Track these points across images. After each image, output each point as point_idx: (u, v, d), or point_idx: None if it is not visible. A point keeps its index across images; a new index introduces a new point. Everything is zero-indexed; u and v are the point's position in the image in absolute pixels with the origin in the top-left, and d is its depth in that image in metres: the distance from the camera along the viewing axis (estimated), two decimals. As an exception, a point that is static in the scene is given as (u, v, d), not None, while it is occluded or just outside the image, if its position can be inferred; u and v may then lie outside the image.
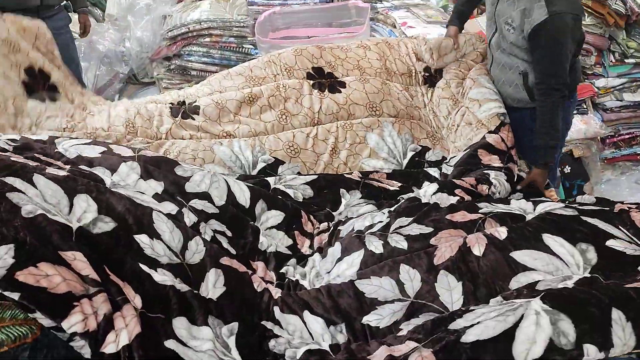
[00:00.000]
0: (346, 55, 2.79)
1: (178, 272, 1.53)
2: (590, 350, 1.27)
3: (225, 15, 3.72)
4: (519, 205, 2.01)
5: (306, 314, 1.62)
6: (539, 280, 1.53)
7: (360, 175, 2.39)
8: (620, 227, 1.79)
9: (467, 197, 2.14)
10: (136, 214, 1.59)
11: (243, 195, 2.02)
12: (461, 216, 1.89)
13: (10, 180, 1.42)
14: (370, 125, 2.56)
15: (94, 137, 2.24)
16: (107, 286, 1.31)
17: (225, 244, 1.79)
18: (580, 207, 1.92)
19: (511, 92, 2.52)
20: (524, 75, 2.40)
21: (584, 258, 1.61)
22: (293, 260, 1.93)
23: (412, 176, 2.47)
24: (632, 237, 1.75)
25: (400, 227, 1.90)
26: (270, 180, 2.28)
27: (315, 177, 2.32)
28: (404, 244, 1.80)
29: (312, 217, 2.18)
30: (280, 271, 1.85)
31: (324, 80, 2.69)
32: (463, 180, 2.24)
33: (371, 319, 1.58)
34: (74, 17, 3.73)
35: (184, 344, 1.35)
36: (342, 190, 2.31)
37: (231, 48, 3.74)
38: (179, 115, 2.43)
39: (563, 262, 1.60)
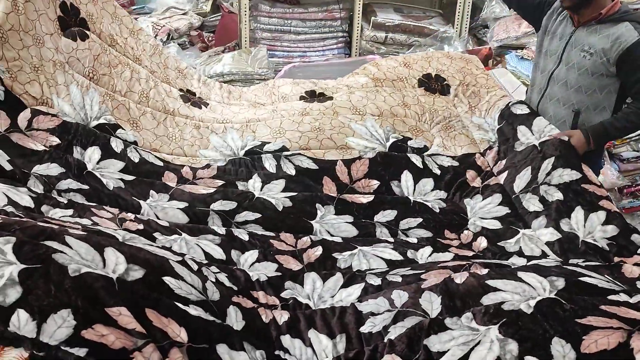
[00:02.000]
0: (337, 82, 3.29)
1: (206, 308, 1.73)
2: None
3: (247, 68, 3.98)
4: (513, 260, 2.31)
5: (311, 331, 1.89)
6: (506, 301, 1.80)
7: (337, 191, 2.70)
8: (605, 275, 2.02)
9: (463, 253, 2.43)
10: (157, 260, 1.79)
11: (216, 251, 2.25)
12: (452, 263, 2.21)
13: (49, 243, 1.58)
14: (354, 119, 2.97)
15: (110, 97, 2.81)
16: (152, 333, 1.49)
17: (228, 283, 2.02)
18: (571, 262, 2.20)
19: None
20: (576, 113, 2.60)
21: (551, 285, 1.88)
22: (289, 283, 2.17)
23: (395, 161, 2.82)
24: (614, 280, 1.98)
25: (398, 272, 2.20)
26: (255, 191, 2.63)
27: (294, 194, 2.63)
28: (398, 279, 2.13)
29: (288, 234, 2.47)
30: (281, 295, 2.09)
31: (315, 97, 3.19)
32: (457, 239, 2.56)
33: (366, 327, 1.88)
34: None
35: None
36: (318, 205, 2.62)
37: None
38: (189, 102, 3.06)
39: (530, 287, 1.88)
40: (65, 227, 1.86)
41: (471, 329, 1.72)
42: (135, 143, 2.78)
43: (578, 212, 2.41)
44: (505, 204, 2.64)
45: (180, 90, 3.19)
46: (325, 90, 3.23)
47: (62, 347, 1.33)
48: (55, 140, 2.55)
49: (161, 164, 2.75)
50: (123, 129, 2.80)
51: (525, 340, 1.62)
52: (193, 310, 1.68)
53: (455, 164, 2.89)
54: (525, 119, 2.81)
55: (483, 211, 2.67)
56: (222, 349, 1.62)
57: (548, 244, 2.40)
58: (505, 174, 2.76)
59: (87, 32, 2.90)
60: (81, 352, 1.34)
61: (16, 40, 2.57)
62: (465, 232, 2.60)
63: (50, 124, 2.59)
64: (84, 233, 1.78)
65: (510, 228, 2.53)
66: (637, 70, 2.46)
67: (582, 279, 1.95)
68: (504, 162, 2.82)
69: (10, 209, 2.03)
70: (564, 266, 2.12)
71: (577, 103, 2.62)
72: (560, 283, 1.89)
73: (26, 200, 2.18)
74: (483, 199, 2.72)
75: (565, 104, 2.67)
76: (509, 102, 3.00)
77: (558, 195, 2.47)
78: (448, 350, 1.66)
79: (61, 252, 1.57)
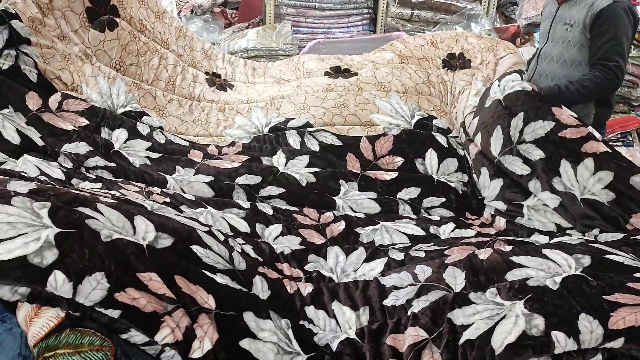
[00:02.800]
0: (362, 58, 3.29)
1: (233, 277, 1.78)
2: (559, 336, 1.57)
3: (271, 44, 3.97)
4: (536, 238, 2.31)
5: (335, 303, 1.92)
6: (531, 277, 1.82)
7: (360, 168, 2.71)
8: (629, 253, 2.02)
9: (485, 231, 2.44)
10: (185, 229, 1.84)
11: (241, 225, 2.30)
12: (475, 239, 2.23)
13: (82, 209, 1.63)
14: (379, 95, 2.98)
15: (137, 86, 2.93)
16: (181, 299, 1.54)
17: (253, 254, 2.06)
18: (594, 239, 2.20)
19: None
20: None
21: (577, 262, 1.89)
22: (312, 256, 2.21)
23: (419, 138, 2.83)
24: (638, 258, 1.98)
25: (421, 247, 2.24)
26: (280, 166, 2.67)
27: (318, 170, 2.66)
28: (422, 254, 2.15)
29: (311, 209, 2.52)
30: (305, 268, 2.13)
31: (340, 73, 3.20)
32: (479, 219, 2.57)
33: (389, 300, 1.90)
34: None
35: (255, 337, 1.60)
36: (341, 180, 2.65)
37: None
38: (214, 86, 3.12)
39: (556, 264, 1.89)
40: (97, 195, 1.92)
41: (496, 304, 1.74)
42: (161, 128, 2.84)
43: (565, 167, 2.32)
44: (495, 175, 2.58)
45: (207, 73, 3.24)
46: (350, 66, 3.23)
47: (97, 308, 1.38)
48: (84, 122, 2.65)
49: (187, 144, 2.80)
50: (149, 115, 2.88)
51: (552, 316, 1.63)
52: (220, 279, 1.72)
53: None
54: (501, 77, 2.73)
55: (488, 193, 2.64)
56: (248, 316, 1.66)
57: (556, 210, 2.37)
58: (479, 137, 2.69)
59: (117, 19, 2.97)
60: (114, 313, 1.39)
61: (47, 34, 2.71)
62: (485, 214, 2.62)
63: (79, 107, 2.69)
64: (114, 201, 1.83)
65: (512, 204, 2.51)
66: (603, 35, 2.47)
67: (607, 256, 1.95)
68: (476, 121, 2.76)
69: (43, 178, 2.10)
70: (590, 244, 2.13)
71: (564, 77, 2.63)
72: (586, 260, 1.90)
73: (57, 173, 2.26)
74: (477, 177, 2.69)
75: (553, 79, 2.69)
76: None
77: (539, 153, 2.39)
78: (472, 323, 1.68)
79: (94, 218, 1.62)
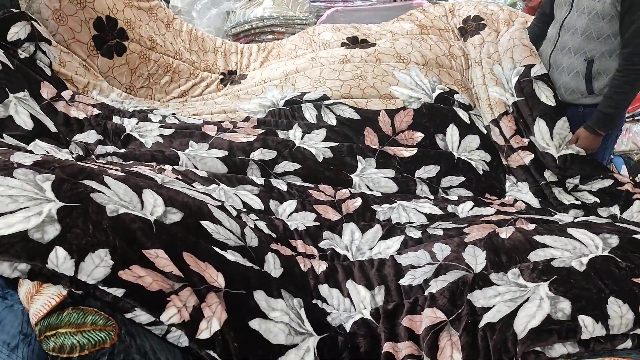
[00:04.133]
0: (380, 28, 3.17)
1: (244, 254, 1.71)
2: (586, 321, 1.50)
3: (288, 12, 3.88)
4: (558, 217, 2.22)
5: (349, 282, 1.86)
6: (556, 258, 1.74)
7: (379, 143, 2.64)
8: None
9: (505, 209, 2.35)
10: (195, 204, 1.77)
11: (255, 201, 2.24)
12: (495, 217, 2.14)
13: (88, 182, 1.57)
14: (398, 67, 2.88)
15: (149, 101, 2.92)
16: (189, 277, 1.48)
17: (267, 230, 2.00)
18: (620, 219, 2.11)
19: (567, 81, 2.56)
20: (589, 62, 2.44)
21: (604, 242, 1.80)
22: (327, 233, 2.15)
23: (440, 113, 2.73)
24: None
25: (439, 225, 2.15)
26: (296, 140, 2.60)
27: (335, 144, 2.58)
28: (440, 232, 2.07)
29: (327, 185, 2.47)
30: (319, 245, 2.07)
31: (357, 43, 3.08)
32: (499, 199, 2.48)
33: (406, 280, 1.84)
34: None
35: (266, 317, 1.54)
36: (359, 157, 2.57)
37: None
38: (229, 82, 3.08)
39: (582, 244, 1.80)
40: (105, 167, 1.87)
41: (518, 285, 1.66)
42: (173, 114, 2.79)
43: (615, 209, 2.42)
44: (535, 193, 2.59)
45: (222, 74, 3.18)
46: (368, 36, 3.12)
47: (100, 287, 1.32)
48: (96, 110, 2.61)
49: (201, 121, 2.73)
50: (159, 109, 2.85)
51: (579, 299, 1.54)
52: (231, 256, 1.66)
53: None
54: (546, 113, 2.62)
55: (517, 192, 2.61)
56: (259, 295, 1.60)
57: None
58: (529, 159, 2.65)
59: (126, 42, 2.94)
60: (118, 292, 1.33)
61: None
62: (507, 197, 2.54)
63: (90, 102, 2.67)
64: (122, 174, 1.77)
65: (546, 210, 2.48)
66: (636, 11, 2.30)
67: (636, 236, 1.85)
68: (525, 142, 2.69)
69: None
70: (617, 223, 2.03)
71: (589, 51, 2.46)
72: (614, 240, 1.80)
73: (67, 158, 2.21)
74: (517, 181, 2.66)
75: (576, 52, 2.51)
76: (530, 69, 2.74)
77: (595, 199, 2.47)
78: (493, 306, 1.61)
79: (99, 191, 1.55)
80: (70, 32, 2.79)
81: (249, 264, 1.69)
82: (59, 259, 1.31)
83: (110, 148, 2.46)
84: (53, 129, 2.38)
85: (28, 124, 2.28)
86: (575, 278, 1.62)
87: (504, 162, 2.70)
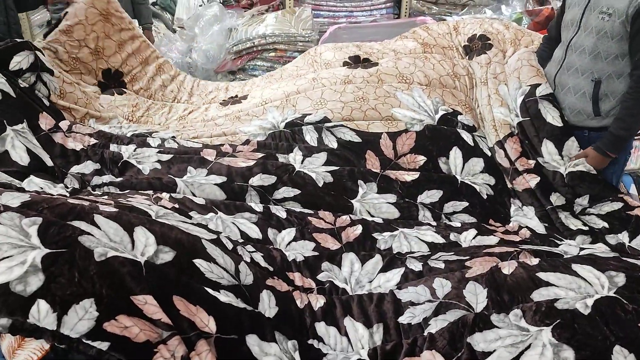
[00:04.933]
0: (383, 46, 3.10)
1: (238, 293, 1.66)
2: None
3: (290, 29, 3.81)
4: (564, 248, 2.15)
5: (347, 319, 1.80)
6: (560, 298, 1.67)
7: (380, 167, 2.57)
8: None
9: (509, 238, 2.29)
10: (189, 240, 1.72)
11: (252, 230, 2.20)
12: (498, 249, 2.07)
13: (77, 224, 1.53)
14: (400, 87, 2.81)
15: (148, 129, 2.85)
16: (179, 324, 1.43)
17: (263, 263, 1.95)
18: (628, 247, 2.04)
19: (574, 102, 2.49)
20: (596, 83, 2.38)
21: (610, 281, 1.73)
22: (326, 264, 2.09)
23: (444, 135, 2.66)
24: None
25: (440, 257, 2.09)
26: (296, 164, 2.54)
27: (336, 168, 2.53)
28: (441, 265, 2.01)
29: (327, 212, 2.41)
30: (317, 277, 2.02)
31: (359, 63, 3.02)
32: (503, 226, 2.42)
33: (405, 318, 1.78)
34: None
35: None
36: (360, 181, 2.51)
37: None
38: (229, 104, 3.06)
39: (587, 282, 1.73)
40: (98, 202, 1.82)
41: (520, 329, 1.59)
42: (173, 137, 2.75)
43: (624, 236, 2.35)
44: (541, 218, 2.51)
45: (223, 100, 3.17)
46: (370, 55, 3.05)
47: (84, 340, 1.27)
48: (93, 140, 2.59)
49: (200, 145, 2.69)
50: (159, 132, 2.83)
51: (583, 347, 1.48)
52: (224, 297, 1.61)
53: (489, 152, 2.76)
54: (553, 134, 2.55)
55: (523, 217, 2.55)
56: (252, 340, 1.55)
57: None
58: (535, 182, 2.57)
59: (125, 89, 3.10)
60: (103, 345, 1.28)
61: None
62: (512, 223, 2.47)
63: (88, 130, 2.66)
64: (115, 210, 1.72)
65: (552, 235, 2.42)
66: None
67: None
68: (531, 164, 2.62)
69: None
70: (624, 258, 1.95)
71: (596, 72, 2.39)
72: (620, 279, 1.73)
73: (60, 193, 2.18)
74: (523, 205, 2.58)
75: (583, 73, 2.44)
76: (536, 88, 2.67)
77: (603, 224, 2.40)
78: (494, 351, 1.54)
79: (88, 233, 1.51)
80: (79, 74, 2.96)
81: (242, 305, 1.64)
82: (41, 313, 1.27)
83: (107, 178, 2.42)
84: (49, 162, 2.36)
85: (24, 159, 2.26)
86: (579, 322, 1.56)
87: (509, 185, 2.63)
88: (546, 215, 2.49)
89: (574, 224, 2.43)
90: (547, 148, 2.55)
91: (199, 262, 1.69)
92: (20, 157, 2.25)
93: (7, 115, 2.33)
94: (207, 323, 1.51)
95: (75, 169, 2.42)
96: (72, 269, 1.38)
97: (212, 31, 4.07)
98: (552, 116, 2.56)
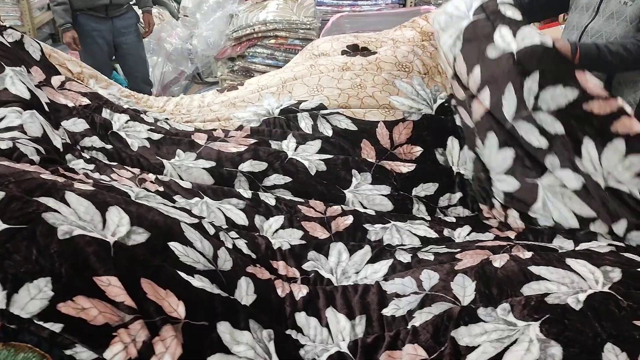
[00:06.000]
0: (381, 36, 3.03)
1: (213, 279, 1.58)
2: None
3: (292, 16, 3.70)
4: (559, 242, 2.03)
5: (329, 310, 1.72)
6: (551, 293, 1.57)
7: (376, 157, 2.48)
8: None
9: (504, 234, 2.18)
10: (166, 222, 1.65)
11: (239, 217, 2.11)
12: (491, 243, 1.98)
13: (44, 200, 1.45)
14: (399, 75, 2.71)
15: (143, 108, 2.75)
16: (144, 307, 1.36)
17: (246, 250, 1.87)
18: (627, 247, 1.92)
19: None
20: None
21: (605, 276, 1.62)
22: (313, 253, 2.00)
23: (441, 125, 2.57)
24: None
25: (431, 249, 2.00)
26: (289, 151, 2.46)
27: (330, 157, 2.44)
28: (430, 257, 1.92)
29: (318, 201, 2.31)
30: (303, 267, 1.93)
31: (358, 51, 2.93)
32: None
33: (389, 310, 1.70)
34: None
35: (228, 352, 1.41)
36: (354, 171, 2.42)
37: (296, 51, 3.71)
38: (225, 89, 2.98)
39: (580, 277, 1.63)
40: (74, 180, 1.74)
41: (507, 323, 1.49)
42: (166, 118, 2.68)
43: (589, 147, 1.90)
44: (505, 143, 2.17)
45: (221, 87, 3.10)
46: (368, 44, 2.95)
47: (35, 321, 1.20)
48: (85, 101, 2.50)
49: (192, 129, 2.61)
50: (154, 112, 2.75)
51: (572, 344, 1.38)
52: (197, 282, 1.53)
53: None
54: (513, 23, 2.15)
55: (495, 165, 2.27)
56: (223, 327, 1.46)
57: (577, 193, 2.00)
58: (486, 93, 2.20)
59: None
60: (56, 327, 1.20)
61: None
62: (495, 202, 2.30)
63: (82, 89, 2.56)
64: (91, 189, 1.64)
65: (525, 182, 2.14)
66: None
67: None
68: (478, 72, 2.25)
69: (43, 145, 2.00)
70: (621, 253, 1.84)
71: None
72: (616, 275, 1.62)
73: (58, 142, 2.13)
74: (482, 143, 2.29)
75: None
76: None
77: (558, 127, 1.96)
78: (478, 345, 1.45)
79: (55, 210, 1.43)
80: None
81: (216, 291, 1.56)
82: (-10, 290, 1.19)
83: (97, 142, 2.35)
84: (46, 108, 2.29)
85: (25, 94, 2.19)
86: (570, 318, 1.45)
87: None
88: (509, 134, 2.22)
89: (534, 136, 2.08)
90: (501, 32, 2.23)
91: (174, 245, 1.61)
92: (21, 92, 2.17)
93: (5, 60, 2.28)
94: (176, 308, 1.42)
95: (65, 124, 2.35)
96: (31, 246, 1.30)
97: (213, 17, 3.99)
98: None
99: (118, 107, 2.59)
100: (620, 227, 1.93)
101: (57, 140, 2.15)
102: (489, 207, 2.32)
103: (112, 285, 1.35)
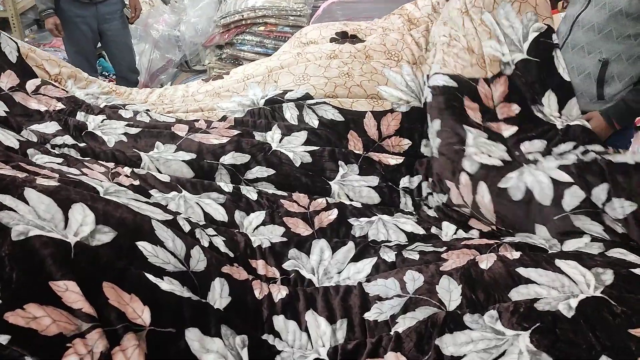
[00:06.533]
0: (370, 24, 2.92)
1: (184, 281, 1.49)
2: None
3: (282, 3, 3.55)
4: (541, 234, 1.94)
5: (309, 313, 1.63)
6: (540, 298, 1.48)
7: (363, 148, 2.39)
8: None
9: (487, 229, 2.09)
10: (135, 220, 1.54)
11: (218, 212, 2.02)
12: (477, 241, 1.88)
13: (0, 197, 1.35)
14: (388, 64, 2.60)
15: (123, 101, 2.69)
16: (105, 314, 1.26)
17: (223, 248, 1.77)
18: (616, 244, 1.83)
19: (576, 83, 2.26)
20: (604, 63, 2.17)
21: (597, 279, 1.54)
22: (294, 251, 1.90)
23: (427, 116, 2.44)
24: None
25: (416, 247, 1.91)
26: (274, 143, 2.36)
27: (315, 148, 2.34)
28: (415, 256, 1.82)
29: (302, 194, 2.21)
30: (283, 266, 1.84)
31: (347, 38, 2.81)
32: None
33: (371, 314, 1.61)
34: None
35: None
36: (340, 162, 2.32)
37: (286, 38, 3.52)
38: (210, 79, 2.85)
39: (571, 280, 1.54)
40: (37, 175, 1.63)
41: (495, 332, 1.40)
42: (147, 110, 2.57)
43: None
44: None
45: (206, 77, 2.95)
46: (357, 32, 2.84)
47: (-21, 332, 1.10)
48: (60, 106, 2.40)
49: (173, 120, 2.49)
50: (135, 104, 2.63)
51: (565, 357, 1.29)
52: (166, 284, 1.42)
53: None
54: (560, 88, 2.24)
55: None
56: (192, 334, 1.36)
57: None
58: (511, 133, 2.24)
59: None
60: (3, 339, 1.10)
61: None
62: (463, 176, 2.20)
63: (58, 94, 2.47)
64: (54, 184, 1.53)
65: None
66: None
67: (634, 270, 1.59)
68: (514, 109, 2.27)
69: None
70: (609, 254, 1.76)
71: (605, 51, 2.15)
72: (608, 277, 1.54)
73: (11, 141, 2.01)
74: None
75: (590, 52, 2.20)
76: (552, 33, 2.33)
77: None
78: (464, 355, 1.36)
79: (11, 209, 1.33)
80: None
81: (187, 294, 1.46)
82: None
83: (69, 140, 2.25)
84: (2, 113, 2.20)
85: None
86: (561, 327, 1.36)
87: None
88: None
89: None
90: (550, 100, 2.29)
91: (142, 245, 1.50)
92: None
93: None
94: (141, 314, 1.32)
95: (36, 127, 2.26)
96: (-21, 249, 1.20)
97: (202, 3, 3.86)
98: (563, 68, 2.29)
99: (94, 109, 2.49)
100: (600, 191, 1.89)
101: (10, 139, 2.05)
102: (456, 184, 2.20)
103: (69, 291, 1.25)
